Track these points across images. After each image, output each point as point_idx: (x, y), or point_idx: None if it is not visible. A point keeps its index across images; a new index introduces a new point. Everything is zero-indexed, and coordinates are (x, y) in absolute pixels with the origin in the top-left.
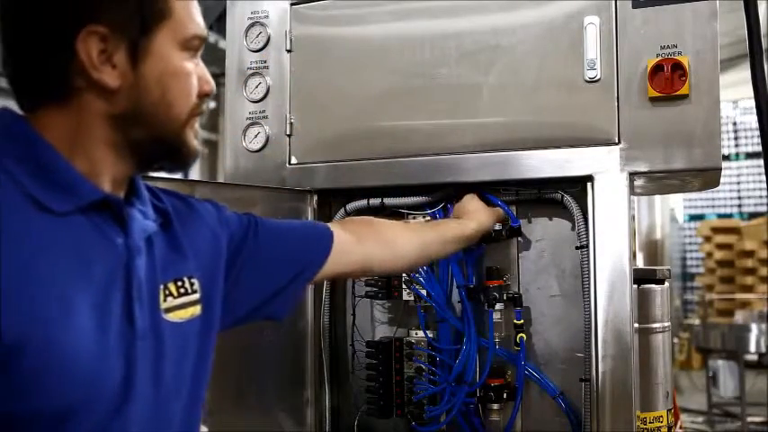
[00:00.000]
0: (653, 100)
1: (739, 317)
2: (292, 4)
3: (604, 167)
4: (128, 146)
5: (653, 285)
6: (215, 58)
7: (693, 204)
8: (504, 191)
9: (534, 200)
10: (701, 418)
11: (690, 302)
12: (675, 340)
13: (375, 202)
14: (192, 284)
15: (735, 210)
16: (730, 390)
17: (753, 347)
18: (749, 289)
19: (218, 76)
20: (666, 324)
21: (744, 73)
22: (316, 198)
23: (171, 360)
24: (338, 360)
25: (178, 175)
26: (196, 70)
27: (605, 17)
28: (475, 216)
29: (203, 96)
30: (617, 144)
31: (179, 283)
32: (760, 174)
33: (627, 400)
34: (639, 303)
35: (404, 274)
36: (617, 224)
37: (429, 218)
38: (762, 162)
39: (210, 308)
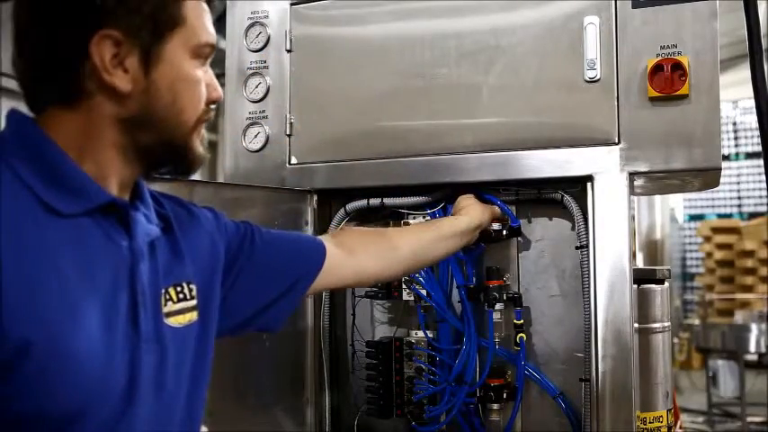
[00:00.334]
0: (653, 100)
1: (739, 317)
2: (292, 4)
3: (604, 167)
4: (135, 150)
5: (653, 285)
6: (215, 59)
7: (693, 204)
8: (504, 191)
9: (534, 200)
10: (701, 418)
11: (690, 302)
12: (675, 340)
13: (375, 202)
14: (190, 290)
15: (735, 210)
16: (730, 390)
17: (753, 347)
18: (749, 289)
19: (218, 76)
20: (666, 324)
21: (744, 73)
22: (316, 198)
23: (171, 364)
24: (338, 360)
25: (182, 178)
26: (205, 77)
27: (605, 17)
28: (468, 210)
29: (211, 103)
30: (617, 144)
31: (178, 289)
32: (760, 174)
33: (627, 400)
34: (639, 303)
35: None
36: (617, 224)
37: (429, 218)
38: (762, 162)
39: (207, 314)
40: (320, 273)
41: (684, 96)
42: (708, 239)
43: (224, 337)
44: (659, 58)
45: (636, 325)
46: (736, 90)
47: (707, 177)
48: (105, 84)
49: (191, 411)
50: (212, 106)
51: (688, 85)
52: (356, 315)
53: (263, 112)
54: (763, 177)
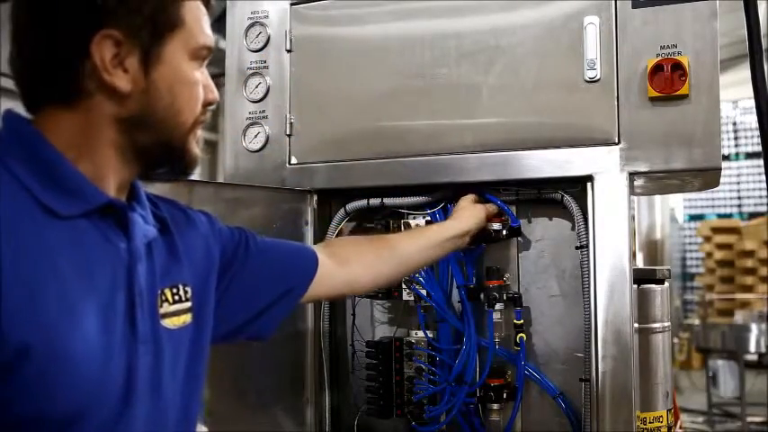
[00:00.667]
0: (653, 100)
1: (739, 317)
2: (292, 4)
3: (604, 167)
4: (133, 150)
5: (653, 285)
6: (215, 58)
7: (693, 204)
8: (504, 191)
9: (534, 200)
10: (701, 418)
11: (690, 302)
12: (675, 340)
13: (375, 202)
14: (186, 292)
15: (735, 210)
16: (730, 390)
17: (753, 347)
18: (749, 289)
19: (219, 76)
20: (666, 324)
21: (744, 73)
22: (316, 198)
23: (166, 365)
24: (338, 360)
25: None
26: (202, 79)
27: (605, 17)
28: (457, 215)
29: (207, 105)
30: (617, 144)
31: (174, 290)
32: (760, 174)
33: (627, 400)
34: (639, 303)
35: None
36: (617, 224)
37: (428, 218)
38: (762, 162)
39: (202, 317)
40: (312, 282)
41: (684, 96)
42: (708, 239)
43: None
44: (659, 58)
45: (636, 325)
46: (736, 90)
47: (707, 177)
48: (105, 84)
49: (186, 412)
50: (209, 108)
51: (688, 85)
52: (356, 315)
53: (263, 112)
54: (763, 177)
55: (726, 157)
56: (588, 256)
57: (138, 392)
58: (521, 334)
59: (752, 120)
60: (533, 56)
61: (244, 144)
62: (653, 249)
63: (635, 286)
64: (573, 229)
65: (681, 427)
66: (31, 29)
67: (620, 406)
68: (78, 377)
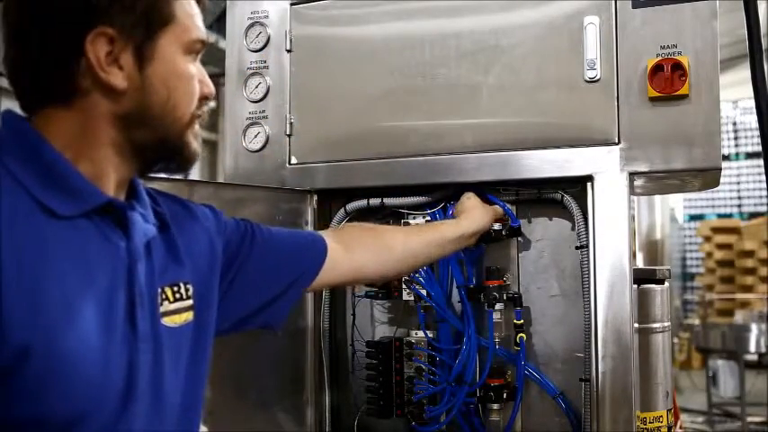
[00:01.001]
0: (653, 100)
1: (739, 317)
2: (292, 4)
3: (604, 167)
4: (131, 147)
5: (653, 285)
6: (215, 58)
7: (693, 204)
8: (504, 191)
9: (534, 200)
10: (701, 418)
11: (690, 302)
12: (675, 340)
13: (375, 202)
14: (186, 290)
15: (735, 210)
16: (730, 390)
17: (753, 347)
18: (749, 289)
19: (218, 76)
20: (666, 324)
21: (744, 73)
22: (316, 198)
23: (167, 363)
24: (338, 360)
25: (178, 175)
26: (196, 73)
27: (605, 17)
28: (470, 214)
29: (204, 99)
30: (617, 144)
31: (174, 288)
32: (760, 174)
33: (627, 400)
34: (639, 303)
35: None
36: (617, 224)
37: (429, 218)
38: (762, 162)
39: (204, 314)
40: (321, 270)
41: (684, 96)
42: (708, 239)
43: (226, 335)
44: (659, 58)
45: (636, 325)
46: (736, 90)
47: (707, 177)
48: (101, 81)
49: (188, 411)
50: (206, 102)
51: (688, 85)
52: (356, 315)
53: (263, 112)
54: (763, 177)
55: (726, 157)
56: (588, 256)
57: (138, 391)
58: (521, 334)
59: (752, 120)
60: (533, 56)
61: (244, 144)
62: (653, 249)
63: (635, 286)
64: (573, 229)
65: (681, 427)
66: (25, 29)
67: (620, 406)
68: (79, 377)
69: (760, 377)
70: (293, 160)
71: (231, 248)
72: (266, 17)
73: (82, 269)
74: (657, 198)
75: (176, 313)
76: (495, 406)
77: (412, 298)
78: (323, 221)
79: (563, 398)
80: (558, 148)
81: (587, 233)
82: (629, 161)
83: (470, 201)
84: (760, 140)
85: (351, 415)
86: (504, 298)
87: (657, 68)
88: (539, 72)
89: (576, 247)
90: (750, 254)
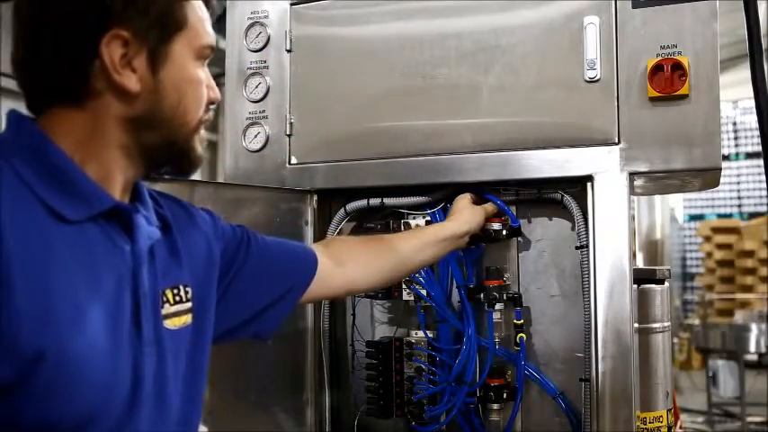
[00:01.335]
0: (653, 100)
1: (739, 317)
2: (292, 4)
3: (604, 167)
4: (139, 150)
5: (653, 285)
6: (215, 58)
7: (693, 204)
8: (504, 191)
9: (534, 200)
10: (701, 418)
11: (690, 302)
12: (675, 340)
13: (375, 202)
14: (186, 292)
15: (735, 210)
16: (730, 390)
17: (753, 347)
18: (749, 289)
19: (219, 76)
20: (666, 324)
21: (744, 73)
22: (316, 198)
23: (168, 366)
24: (338, 360)
25: (181, 178)
26: (205, 79)
27: (605, 17)
28: (458, 216)
29: (210, 104)
30: (617, 144)
31: (175, 291)
32: (760, 174)
33: (627, 400)
34: (639, 303)
35: None
36: (617, 224)
37: (428, 218)
38: (762, 162)
39: (202, 317)
40: (312, 282)
41: (684, 96)
42: (708, 239)
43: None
44: (659, 58)
45: (636, 325)
46: (736, 90)
47: (707, 177)
48: (114, 83)
49: (188, 413)
50: (211, 107)
51: (688, 85)
52: (356, 315)
53: (263, 112)
54: (763, 177)
55: (726, 157)
56: (588, 256)
57: (144, 394)
58: (521, 334)
59: (752, 120)
60: (533, 56)
61: (244, 144)
62: (653, 249)
63: (635, 286)
64: (573, 229)
65: (681, 427)
66: (39, 29)
67: (620, 406)
68: (88, 381)
69: (760, 377)
70: (293, 160)
71: (228, 255)
72: (266, 17)
73: (89, 273)
74: (657, 198)
75: (176, 316)
76: (495, 406)
77: (412, 298)
78: (323, 221)
79: (563, 398)
80: (558, 148)
81: (587, 233)
82: (629, 161)
83: (461, 202)
84: (760, 140)
85: (351, 415)
86: (504, 298)
87: (657, 68)
88: (539, 72)
89: (576, 247)
90: (750, 254)
